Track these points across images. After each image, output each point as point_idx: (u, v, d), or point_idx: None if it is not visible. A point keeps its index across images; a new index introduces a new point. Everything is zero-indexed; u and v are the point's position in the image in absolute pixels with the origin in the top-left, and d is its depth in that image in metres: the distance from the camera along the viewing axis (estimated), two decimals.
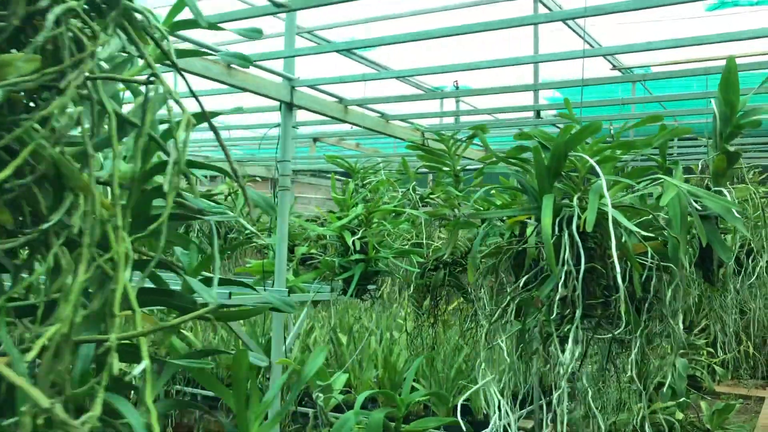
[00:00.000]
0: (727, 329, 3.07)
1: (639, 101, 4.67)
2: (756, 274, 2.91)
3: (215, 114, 0.97)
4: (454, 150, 3.69)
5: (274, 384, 3.53)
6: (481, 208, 2.59)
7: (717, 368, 7.36)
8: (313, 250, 4.07)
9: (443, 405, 5.39)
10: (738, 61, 2.14)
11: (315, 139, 7.37)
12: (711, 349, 7.19)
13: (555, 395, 1.67)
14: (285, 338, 3.72)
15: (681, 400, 5.01)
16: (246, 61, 1.49)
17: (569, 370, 1.67)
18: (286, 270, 4.41)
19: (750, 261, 2.97)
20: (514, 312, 1.96)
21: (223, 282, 1.22)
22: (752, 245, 2.99)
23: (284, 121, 3.57)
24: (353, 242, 3.07)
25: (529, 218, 2.00)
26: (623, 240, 1.75)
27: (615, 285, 1.78)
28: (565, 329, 1.73)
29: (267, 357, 3.72)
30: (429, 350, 3.94)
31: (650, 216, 1.86)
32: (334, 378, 3.13)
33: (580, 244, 1.67)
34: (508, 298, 1.89)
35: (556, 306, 1.65)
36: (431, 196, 4.08)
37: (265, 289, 3.57)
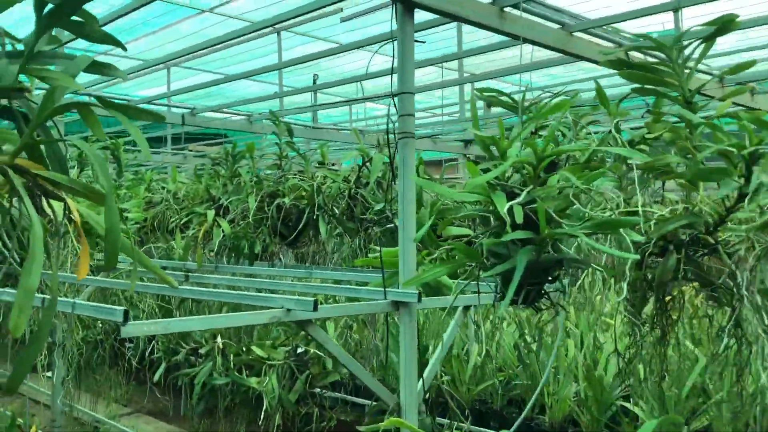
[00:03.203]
0: None
1: None
2: None
3: None
4: (683, 61, 2.24)
5: None
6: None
7: None
8: (465, 231, 2.76)
9: None
10: None
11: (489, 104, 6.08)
12: None
13: None
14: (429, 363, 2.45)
15: None
16: None
17: None
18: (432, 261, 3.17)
19: None
20: None
21: None
22: None
23: (401, 29, 2.30)
24: (509, 210, 1.73)
25: None
26: None
27: None
28: None
29: (398, 392, 2.49)
30: (656, 381, 2.49)
31: None
32: None
33: None
34: None
35: None
36: (647, 137, 2.59)
37: (385, 291, 2.34)
